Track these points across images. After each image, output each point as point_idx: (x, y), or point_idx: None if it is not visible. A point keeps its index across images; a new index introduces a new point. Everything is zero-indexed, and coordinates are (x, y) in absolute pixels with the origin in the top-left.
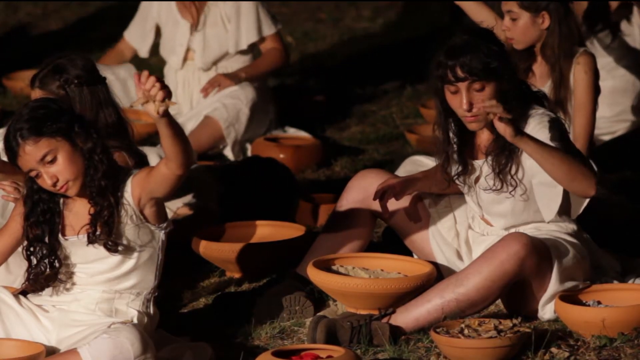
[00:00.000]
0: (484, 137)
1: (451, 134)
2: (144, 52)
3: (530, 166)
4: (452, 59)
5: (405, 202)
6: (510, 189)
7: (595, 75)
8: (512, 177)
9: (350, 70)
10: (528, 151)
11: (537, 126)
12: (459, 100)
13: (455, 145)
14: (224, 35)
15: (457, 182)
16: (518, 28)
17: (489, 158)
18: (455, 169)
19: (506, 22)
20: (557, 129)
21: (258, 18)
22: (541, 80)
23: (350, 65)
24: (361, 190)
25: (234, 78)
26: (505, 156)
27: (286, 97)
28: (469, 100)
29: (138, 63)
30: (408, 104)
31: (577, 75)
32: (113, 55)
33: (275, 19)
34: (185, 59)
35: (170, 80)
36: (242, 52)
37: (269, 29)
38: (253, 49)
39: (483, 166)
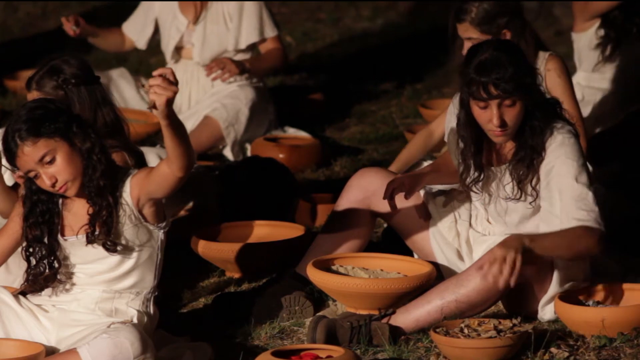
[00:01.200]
0: (504, 145)
1: (471, 143)
2: (141, 43)
3: (546, 187)
4: (484, 76)
5: (410, 200)
6: (530, 199)
7: (568, 75)
8: (533, 188)
9: (349, 70)
10: (534, 255)
11: (559, 149)
12: (489, 115)
13: (473, 152)
14: (225, 33)
15: (473, 189)
16: None
17: (510, 167)
18: (471, 176)
19: (468, 47)
20: (577, 150)
21: (261, 19)
22: None
23: (349, 65)
24: (361, 189)
25: (239, 65)
26: (525, 166)
27: (285, 97)
28: (500, 116)
29: (137, 63)
30: (407, 104)
31: (551, 80)
32: (114, 35)
33: (277, 23)
34: (179, 54)
35: None
36: (241, 52)
37: (271, 31)
38: (252, 50)
39: (503, 173)
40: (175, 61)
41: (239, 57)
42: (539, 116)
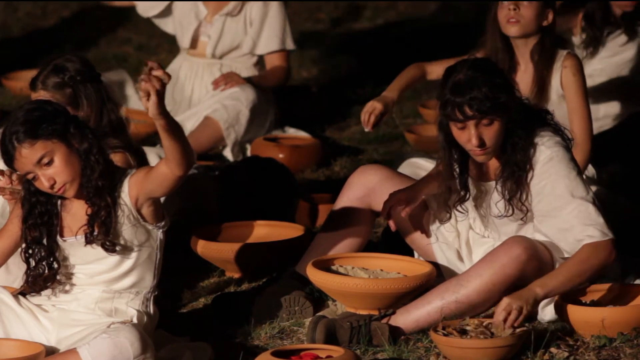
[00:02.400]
0: (491, 162)
1: (453, 163)
2: (146, 13)
3: (543, 206)
4: (459, 97)
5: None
6: (521, 215)
7: (583, 75)
8: (522, 204)
9: (349, 70)
10: (550, 297)
11: (546, 165)
12: (467, 135)
13: (456, 173)
14: (242, 33)
15: (458, 209)
16: (528, 11)
17: (498, 185)
18: (455, 196)
19: (512, 15)
20: (566, 163)
21: (284, 30)
22: (523, 89)
23: (349, 65)
24: (362, 187)
25: (246, 82)
26: (514, 182)
27: (285, 97)
28: (479, 135)
29: (137, 64)
30: (407, 104)
31: (566, 78)
32: None
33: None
34: (194, 46)
35: (173, 74)
36: (251, 55)
37: (291, 45)
38: (258, 57)
39: (493, 191)
40: (185, 52)
41: (248, 61)
42: (520, 132)
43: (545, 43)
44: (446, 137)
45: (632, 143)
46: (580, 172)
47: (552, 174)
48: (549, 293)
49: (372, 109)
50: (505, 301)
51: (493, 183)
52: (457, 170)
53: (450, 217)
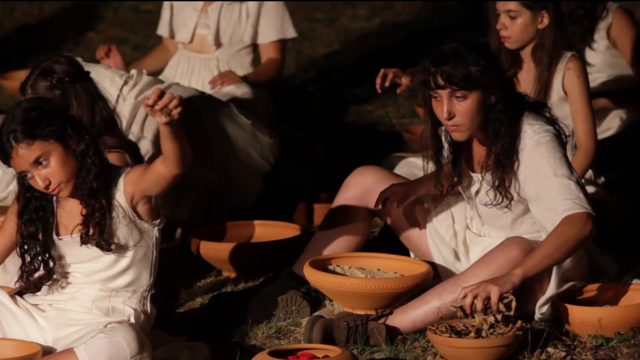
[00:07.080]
0: (478, 150)
1: (446, 145)
2: (161, 30)
3: (528, 190)
4: (435, 66)
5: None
6: (506, 202)
7: (586, 78)
8: (507, 191)
9: (346, 70)
10: (530, 276)
11: (534, 151)
12: (441, 107)
13: (451, 155)
14: (238, 24)
15: (450, 193)
16: (517, 26)
17: (487, 173)
18: (449, 180)
19: (503, 21)
20: (552, 146)
21: (282, 19)
22: (525, 87)
23: (346, 65)
24: (358, 187)
25: (242, 80)
26: (501, 171)
27: (282, 96)
28: (449, 109)
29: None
30: (404, 104)
31: (570, 80)
32: (158, 53)
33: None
34: (192, 39)
35: (171, 71)
36: (247, 48)
37: (292, 33)
38: (255, 48)
39: (482, 179)
40: (182, 46)
41: (244, 57)
42: (502, 119)
43: (545, 44)
44: (430, 111)
45: (632, 150)
46: (566, 155)
47: (536, 157)
48: (528, 271)
49: (389, 71)
50: (476, 284)
51: (479, 175)
52: (451, 153)
53: (441, 195)
